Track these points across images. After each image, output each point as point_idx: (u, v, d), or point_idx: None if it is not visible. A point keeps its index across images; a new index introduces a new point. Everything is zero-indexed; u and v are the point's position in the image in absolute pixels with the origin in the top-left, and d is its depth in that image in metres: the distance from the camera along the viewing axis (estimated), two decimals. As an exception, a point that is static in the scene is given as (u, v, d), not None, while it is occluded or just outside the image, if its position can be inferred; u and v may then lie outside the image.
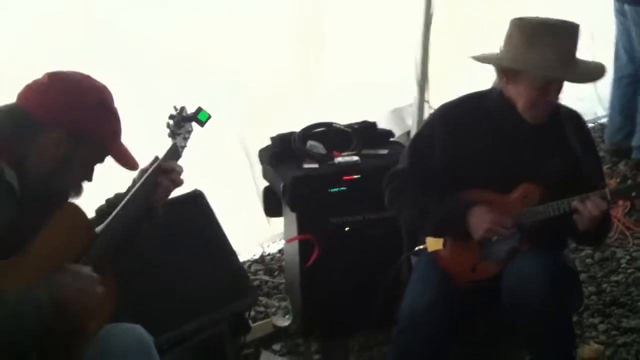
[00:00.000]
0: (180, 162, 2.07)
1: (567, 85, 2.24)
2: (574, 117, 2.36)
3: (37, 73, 1.80)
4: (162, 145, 2.05)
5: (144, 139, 2.00)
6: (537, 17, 2.24)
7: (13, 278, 1.57)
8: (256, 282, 3.44)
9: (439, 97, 3.52)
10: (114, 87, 2.81)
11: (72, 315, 1.63)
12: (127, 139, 1.98)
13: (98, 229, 1.80)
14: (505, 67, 2.22)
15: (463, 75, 3.71)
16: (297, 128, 3.20)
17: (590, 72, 2.23)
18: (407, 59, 3.87)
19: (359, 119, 3.34)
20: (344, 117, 3.40)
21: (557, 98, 2.21)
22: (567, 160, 2.25)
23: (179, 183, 1.99)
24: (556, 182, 2.23)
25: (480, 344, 2.38)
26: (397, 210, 2.40)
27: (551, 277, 2.11)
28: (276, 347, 2.95)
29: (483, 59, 2.28)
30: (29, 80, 1.77)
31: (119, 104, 1.90)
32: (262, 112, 3.55)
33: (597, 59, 2.36)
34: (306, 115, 3.29)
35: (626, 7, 4.33)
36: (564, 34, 2.18)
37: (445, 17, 3.88)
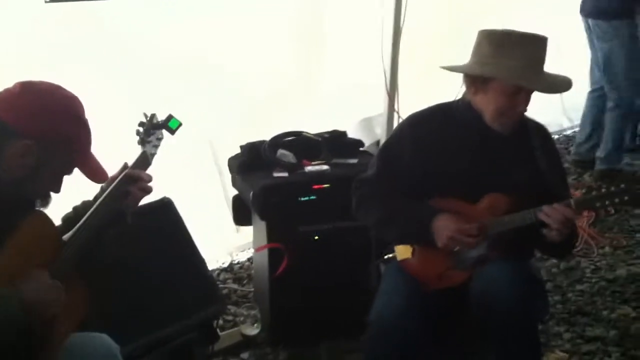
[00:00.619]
0: (150, 169, 2.06)
1: (533, 96, 2.28)
2: (540, 129, 2.40)
3: (37, 73, 1.79)
4: (162, 145, 2.07)
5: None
6: (505, 29, 2.28)
7: None
8: (225, 291, 3.44)
9: (408, 107, 3.55)
10: (114, 87, 2.81)
11: (39, 321, 1.60)
12: (127, 139, 1.97)
13: (65, 237, 1.78)
14: (474, 76, 2.25)
15: (433, 85, 3.76)
16: (297, 128, 3.22)
17: (558, 84, 2.27)
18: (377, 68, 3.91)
19: (359, 119, 3.35)
20: (344, 117, 3.43)
21: (525, 107, 2.24)
22: (532, 171, 2.29)
23: (148, 191, 1.97)
24: (522, 192, 2.26)
25: (452, 348, 2.39)
26: (364, 216, 2.42)
27: (518, 284, 2.13)
28: (244, 355, 2.94)
29: (453, 68, 2.31)
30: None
31: (119, 104, 1.90)
32: (262, 112, 3.57)
33: (567, 73, 2.41)
34: (306, 116, 3.30)
35: (590, 21, 4.44)
36: (532, 44, 2.22)
37: (415, 28, 3.92)
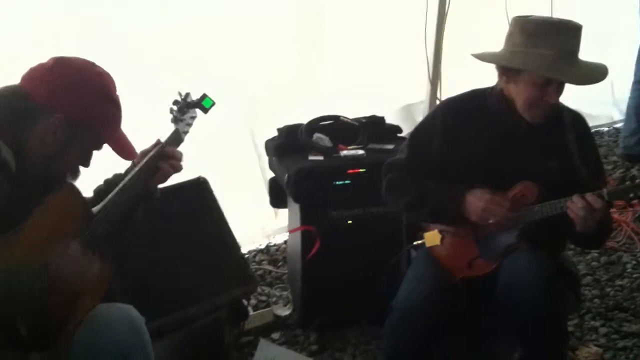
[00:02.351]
0: (190, 150, 2.09)
1: (583, 87, 2.22)
2: (575, 118, 2.35)
3: None
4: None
5: (144, 139, 2.02)
6: (539, 16, 2.23)
7: (8, 253, 1.60)
8: (260, 272, 3.49)
9: (450, 94, 3.53)
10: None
11: (65, 290, 1.66)
12: (128, 138, 2.00)
13: (95, 209, 1.83)
14: (505, 66, 2.22)
15: (474, 73, 3.71)
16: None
17: (590, 74, 2.20)
18: (417, 57, 3.87)
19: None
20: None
21: (556, 98, 2.20)
22: (564, 161, 2.25)
23: (178, 169, 2.02)
24: (553, 182, 2.22)
25: (473, 339, 2.38)
26: (395, 198, 2.42)
27: (546, 274, 2.11)
28: (275, 336, 2.97)
29: (483, 57, 2.27)
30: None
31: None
32: (262, 112, 3.57)
33: (616, 62, 2.32)
34: (306, 116, 3.30)
35: None
36: (565, 33, 2.17)
37: (457, 15, 3.88)
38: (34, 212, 1.67)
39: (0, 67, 2.53)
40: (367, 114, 3.32)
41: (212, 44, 3.20)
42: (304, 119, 3.19)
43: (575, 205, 2.09)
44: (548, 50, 2.13)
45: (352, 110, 3.32)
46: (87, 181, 1.96)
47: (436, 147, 2.34)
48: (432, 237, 2.41)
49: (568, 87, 2.24)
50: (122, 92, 1.85)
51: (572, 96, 2.45)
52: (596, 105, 5.14)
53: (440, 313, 2.19)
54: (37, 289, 1.59)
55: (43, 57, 1.83)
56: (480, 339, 2.38)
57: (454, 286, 2.28)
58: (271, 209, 3.70)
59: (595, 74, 2.21)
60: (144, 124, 2.37)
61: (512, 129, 2.27)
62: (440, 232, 2.39)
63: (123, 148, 1.84)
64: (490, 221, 2.23)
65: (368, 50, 3.79)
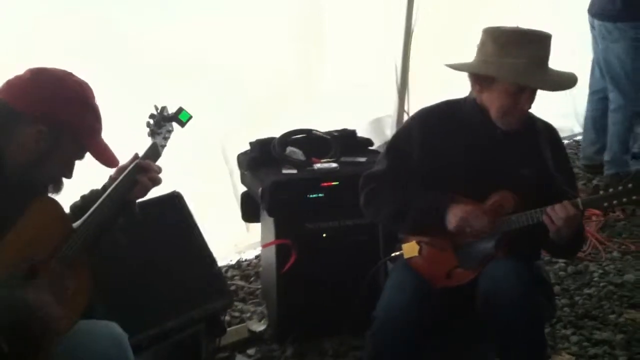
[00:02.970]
0: (160, 163, 2.07)
1: (545, 101, 2.28)
2: (547, 129, 2.41)
3: None
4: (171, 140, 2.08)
5: (144, 138, 2.01)
6: (509, 27, 2.29)
7: None
8: (232, 287, 3.44)
9: (419, 107, 3.57)
10: (114, 87, 2.79)
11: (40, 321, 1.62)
12: (128, 138, 1.99)
13: (75, 224, 1.80)
14: (479, 75, 2.26)
15: (444, 87, 3.76)
16: (298, 128, 3.22)
17: (561, 81, 2.27)
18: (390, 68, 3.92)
19: (360, 119, 3.35)
20: (344, 117, 3.43)
21: (529, 106, 2.25)
22: (539, 170, 2.29)
23: (157, 182, 1.99)
24: (528, 190, 2.26)
25: (454, 347, 2.39)
26: (375, 210, 2.42)
27: (524, 283, 2.14)
28: (251, 351, 2.94)
29: (457, 66, 2.32)
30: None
31: (119, 104, 1.90)
32: (262, 112, 3.57)
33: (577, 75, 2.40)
34: (306, 116, 3.31)
35: (596, 22, 4.43)
36: (536, 42, 2.23)
37: (426, 28, 3.93)
38: (15, 222, 1.63)
39: (1, 67, 2.50)
40: (359, 119, 3.35)
41: (212, 44, 3.20)
42: (304, 120, 3.21)
43: (553, 214, 2.12)
44: (520, 59, 2.18)
45: (353, 111, 3.32)
46: (63, 198, 1.93)
47: (415, 158, 2.36)
48: (410, 248, 2.42)
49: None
50: (122, 92, 1.83)
51: (535, 109, 2.49)
52: (558, 118, 5.24)
53: (421, 321, 2.20)
54: (17, 302, 1.54)
55: (43, 57, 1.82)
56: (460, 346, 2.39)
57: (434, 295, 2.29)
58: (243, 224, 3.67)
59: (565, 81, 2.27)
60: (143, 124, 2.34)
61: (487, 137, 2.31)
62: (418, 242, 2.40)
63: (105, 157, 1.82)
64: (467, 231, 2.26)
65: (368, 51, 3.82)
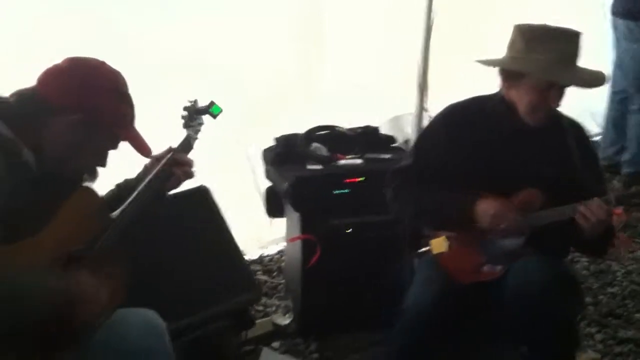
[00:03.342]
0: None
1: (581, 99, 2.27)
2: (575, 126, 2.40)
3: (37, 73, 1.80)
4: (162, 144, 2.07)
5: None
6: (539, 24, 2.28)
7: (26, 258, 1.58)
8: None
9: (439, 105, 3.57)
10: None
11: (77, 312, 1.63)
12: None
13: (113, 214, 1.82)
14: (508, 71, 2.26)
15: (465, 84, 3.76)
16: (297, 128, 3.22)
17: (590, 79, 2.26)
18: (410, 66, 3.91)
19: (360, 120, 3.35)
20: (344, 118, 3.41)
21: (558, 102, 2.25)
22: (566, 167, 2.29)
23: (190, 175, 2.02)
24: (554, 188, 2.26)
25: (479, 341, 2.39)
26: (402, 206, 2.43)
27: (556, 277, 2.14)
28: (275, 345, 2.96)
29: (487, 62, 2.32)
30: (29, 81, 1.78)
31: None
32: (262, 112, 3.56)
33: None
34: (306, 116, 3.31)
35: (618, 21, 4.41)
36: (565, 39, 2.23)
37: (447, 24, 3.93)
38: (55, 214, 1.65)
39: (1, 67, 2.51)
40: (359, 120, 3.35)
41: (212, 44, 3.19)
42: (304, 120, 3.21)
43: (586, 211, 2.12)
44: (549, 55, 2.18)
45: (346, 115, 3.33)
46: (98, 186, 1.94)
47: (442, 153, 2.36)
48: (438, 244, 2.42)
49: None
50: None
51: (568, 108, 2.51)
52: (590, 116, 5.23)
53: (449, 315, 2.20)
54: (57, 291, 1.56)
55: (43, 57, 1.81)
56: (485, 341, 2.39)
57: (462, 289, 2.30)
58: (265, 220, 3.69)
59: (594, 79, 2.27)
60: (143, 123, 2.36)
61: (514, 134, 2.31)
62: (447, 238, 2.41)
63: (139, 145, 1.84)
64: (501, 227, 2.26)
65: (368, 51, 3.80)
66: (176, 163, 1.96)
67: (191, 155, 2.13)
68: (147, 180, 1.89)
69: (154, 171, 1.91)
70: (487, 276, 2.32)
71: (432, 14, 3.92)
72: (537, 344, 2.22)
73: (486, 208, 2.24)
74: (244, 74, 3.39)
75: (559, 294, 2.11)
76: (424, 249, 2.48)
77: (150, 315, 1.86)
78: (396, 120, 4.23)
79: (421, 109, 4.17)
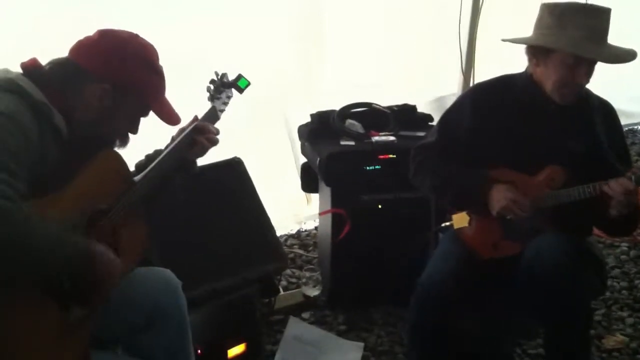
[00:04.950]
0: (227, 135, 2.14)
1: (619, 84, 2.24)
2: (603, 104, 2.39)
3: None
4: (162, 143, 2.10)
5: (143, 137, 2.05)
6: (568, 1, 2.28)
7: (49, 212, 1.67)
8: (291, 255, 3.56)
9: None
10: None
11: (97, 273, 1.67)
12: (145, 140, 2.05)
13: (136, 178, 1.92)
14: (536, 48, 2.27)
15: (505, 66, 3.73)
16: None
17: (619, 54, 2.23)
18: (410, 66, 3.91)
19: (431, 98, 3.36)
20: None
21: (587, 79, 2.24)
22: (591, 145, 2.28)
23: (214, 142, 2.08)
24: (579, 165, 2.26)
25: (498, 317, 2.42)
26: (420, 181, 2.47)
27: (570, 255, 2.14)
28: (305, 315, 3.05)
29: (515, 40, 2.32)
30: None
31: None
32: (262, 112, 3.61)
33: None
34: (306, 116, 3.33)
35: None
36: (593, 15, 2.22)
37: (491, 8, 3.90)
38: (80, 172, 1.75)
39: (1, 67, 2.62)
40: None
41: (212, 44, 3.21)
42: (304, 120, 3.26)
43: (608, 190, 2.12)
44: (577, 31, 2.18)
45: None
46: (128, 157, 2.03)
47: (466, 129, 2.39)
48: (460, 219, 2.46)
49: (603, 83, 2.25)
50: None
51: (606, 92, 2.48)
52: (625, 101, 5.09)
53: (465, 290, 2.24)
54: (79, 247, 1.64)
55: (43, 57, 1.89)
56: (501, 317, 2.42)
57: (479, 265, 2.33)
58: (303, 195, 3.78)
59: (623, 54, 2.24)
60: (143, 123, 2.42)
61: (541, 111, 2.32)
62: (469, 213, 2.44)
63: (168, 115, 1.92)
64: (508, 218, 2.28)
65: (368, 51, 3.82)
66: (199, 131, 2.03)
67: (229, 135, 2.17)
68: (169, 147, 1.97)
69: (177, 139, 1.99)
70: (506, 252, 2.34)
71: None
72: (550, 322, 2.23)
73: (498, 197, 2.27)
74: (244, 74, 3.42)
75: (570, 271, 2.12)
76: (446, 224, 2.52)
77: (167, 273, 1.96)
78: (439, 101, 4.25)
79: (466, 88, 4.18)
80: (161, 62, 1.99)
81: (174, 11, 3.16)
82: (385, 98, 3.38)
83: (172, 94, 2.13)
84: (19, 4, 2.75)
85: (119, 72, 1.83)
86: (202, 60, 3.19)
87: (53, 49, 1.87)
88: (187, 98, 2.20)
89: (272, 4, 3.47)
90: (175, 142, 2.01)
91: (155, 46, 1.98)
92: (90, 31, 1.88)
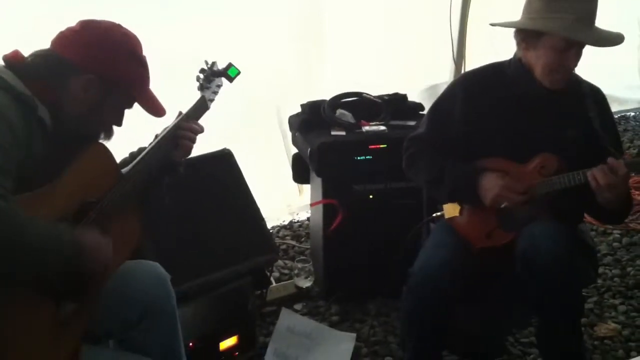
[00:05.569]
0: (218, 127, 2.11)
1: (614, 73, 2.23)
2: (593, 90, 2.37)
3: None
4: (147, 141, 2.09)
5: (143, 136, 2.06)
6: None
7: (40, 208, 1.65)
8: (283, 247, 3.56)
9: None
10: None
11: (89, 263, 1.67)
12: (128, 138, 2.06)
13: (123, 170, 1.90)
14: (525, 32, 2.25)
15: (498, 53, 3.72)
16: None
17: (609, 37, 2.22)
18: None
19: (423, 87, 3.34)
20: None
21: (576, 63, 2.22)
22: (584, 130, 2.27)
23: (193, 140, 2.04)
24: (573, 151, 2.25)
25: (494, 309, 2.41)
26: (414, 174, 2.46)
27: (563, 243, 2.13)
28: (297, 306, 3.04)
29: (504, 24, 2.31)
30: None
31: None
32: (263, 112, 3.61)
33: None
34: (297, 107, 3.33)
35: None
36: None
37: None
38: (69, 166, 1.73)
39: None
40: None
41: (212, 44, 3.20)
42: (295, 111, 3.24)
43: (598, 175, 2.10)
44: (567, 14, 2.16)
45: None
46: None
47: (457, 119, 2.37)
48: (451, 209, 2.45)
49: (596, 70, 2.23)
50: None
51: (600, 80, 2.47)
52: (622, 89, 5.10)
53: (457, 280, 2.23)
54: (67, 241, 1.62)
55: None
56: (500, 307, 2.41)
57: (472, 254, 2.32)
58: (295, 186, 3.77)
59: (612, 37, 2.23)
60: (143, 122, 2.41)
61: (532, 97, 2.30)
62: (459, 203, 2.43)
63: (152, 106, 1.89)
64: (503, 206, 2.27)
65: (368, 51, 3.82)
66: (182, 134, 2.01)
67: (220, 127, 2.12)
68: (152, 144, 1.96)
69: (162, 133, 1.97)
70: (499, 241, 2.33)
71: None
72: (543, 311, 2.23)
73: (489, 186, 2.26)
74: (244, 74, 3.39)
75: (564, 260, 2.11)
76: (437, 214, 2.51)
77: (156, 267, 1.95)
78: (432, 89, 4.24)
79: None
80: (161, 62, 1.97)
81: (174, 11, 3.15)
82: (378, 87, 3.36)
83: (172, 94, 2.12)
84: (19, 4, 2.74)
85: (102, 63, 1.80)
86: (201, 60, 3.18)
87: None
88: (187, 98, 2.17)
89: (272, 4, 3.46)
90: (159, 137, 1.99)
91: (155, 46, 1.96)
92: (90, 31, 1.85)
